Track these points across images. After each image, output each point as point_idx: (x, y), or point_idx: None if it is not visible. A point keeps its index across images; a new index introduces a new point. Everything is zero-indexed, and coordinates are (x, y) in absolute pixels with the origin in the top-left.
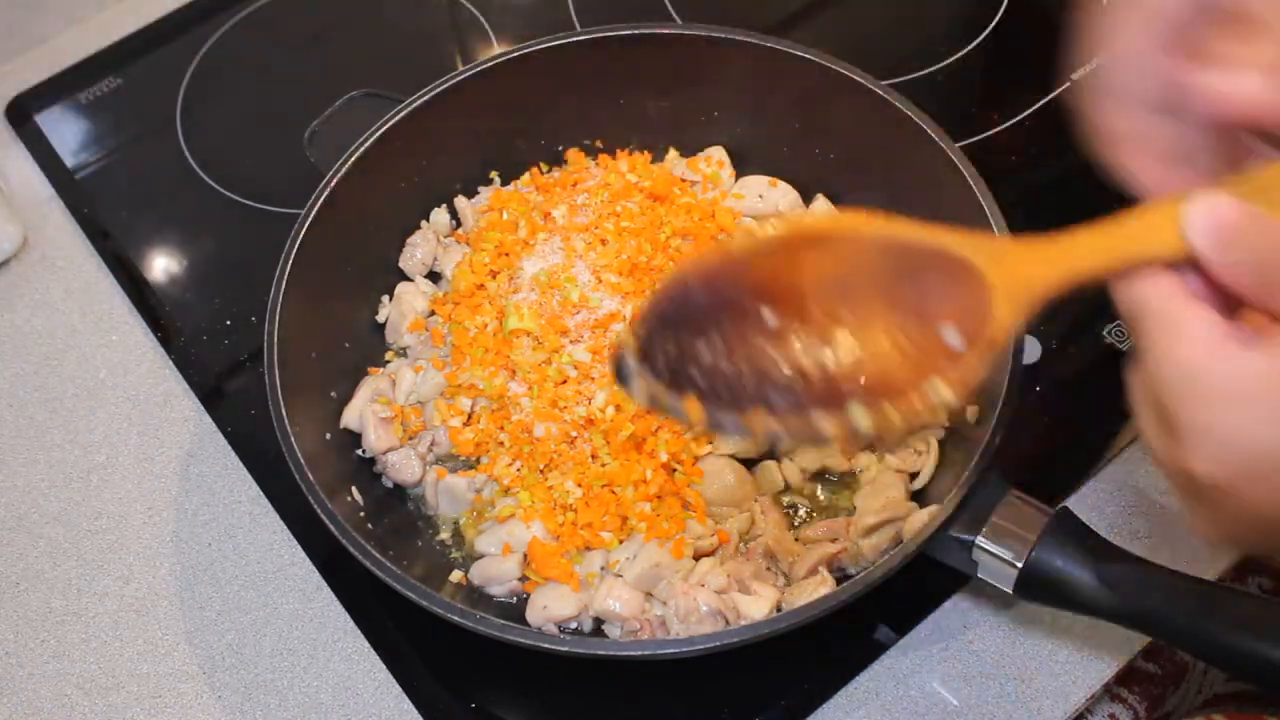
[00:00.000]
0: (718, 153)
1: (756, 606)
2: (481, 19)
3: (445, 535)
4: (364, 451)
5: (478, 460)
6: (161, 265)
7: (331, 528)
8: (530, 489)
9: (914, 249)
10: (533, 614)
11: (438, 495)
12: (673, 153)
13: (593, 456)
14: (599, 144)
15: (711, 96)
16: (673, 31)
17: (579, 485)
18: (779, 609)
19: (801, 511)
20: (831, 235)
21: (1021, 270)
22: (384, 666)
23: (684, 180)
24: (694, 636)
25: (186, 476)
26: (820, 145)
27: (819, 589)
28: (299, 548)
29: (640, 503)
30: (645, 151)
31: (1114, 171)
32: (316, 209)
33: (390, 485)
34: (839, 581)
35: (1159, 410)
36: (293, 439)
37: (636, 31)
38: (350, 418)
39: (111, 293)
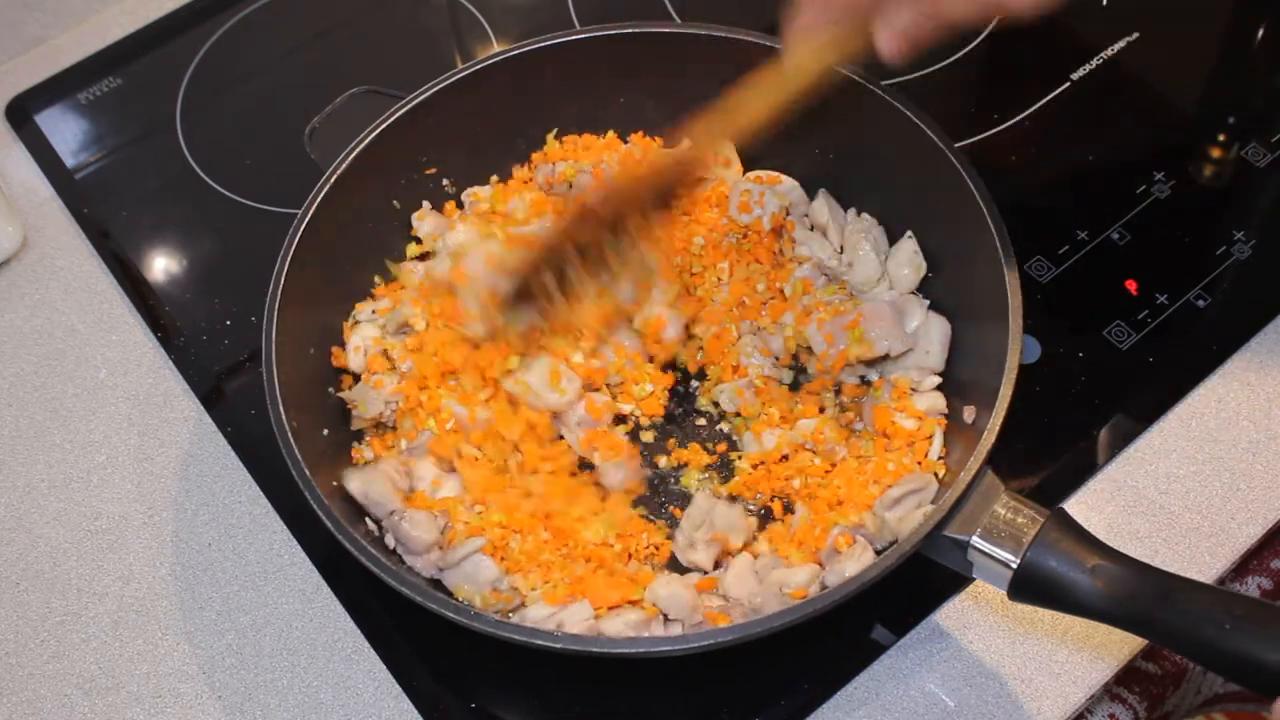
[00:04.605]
0: (727, 148)
1: (798, 576)
2: (481, 18)
3: None
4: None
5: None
6: (161, 265)
7: (331, 528)
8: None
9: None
10: (609, 625)
11: (456, 569)
12: (687, 141)
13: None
14: None
15: (711, 96)
16: (673, 31)
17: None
18: (823, 585)
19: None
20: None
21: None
22: (384, 666)
23: None
24: (688, 634)
25: (186, 476)
26: (820, 145)
27: (861, 556)
28: (299, 548)
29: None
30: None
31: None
32: (315, 206)
33: (391, 546)
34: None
35: None
36: (292, 439)
37: (637, 31)
38: (374, 488)
39: (111, 293)
